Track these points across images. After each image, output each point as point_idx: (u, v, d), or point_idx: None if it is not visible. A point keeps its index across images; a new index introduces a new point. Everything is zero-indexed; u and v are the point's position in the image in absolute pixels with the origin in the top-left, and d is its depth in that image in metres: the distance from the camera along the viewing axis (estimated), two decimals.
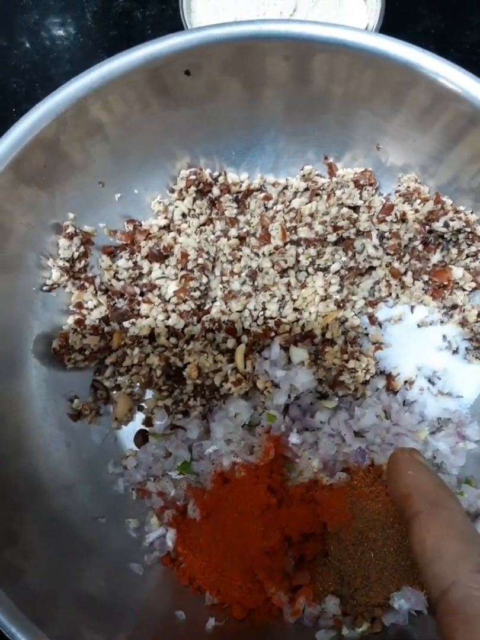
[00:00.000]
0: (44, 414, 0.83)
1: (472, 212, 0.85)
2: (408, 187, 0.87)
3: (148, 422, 0.87)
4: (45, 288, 0.84)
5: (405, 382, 0.85)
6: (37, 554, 0.72)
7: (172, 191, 0.90)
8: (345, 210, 0.86)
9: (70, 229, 0.83)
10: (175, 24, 1.00)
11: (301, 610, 0.74)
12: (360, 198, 0.88)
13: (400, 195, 0.87)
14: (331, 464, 0.78)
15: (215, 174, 0.90)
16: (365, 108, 0.82)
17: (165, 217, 0.90)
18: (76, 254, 0.84)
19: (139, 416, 0.89)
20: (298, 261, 0.86)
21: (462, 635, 0.41)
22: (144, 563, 0.79)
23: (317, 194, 0.89)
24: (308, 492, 0.75)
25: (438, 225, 0.84)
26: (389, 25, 0.95)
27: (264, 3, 0.95)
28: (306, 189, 0.90)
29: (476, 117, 0.74)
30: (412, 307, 0.87)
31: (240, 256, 0.88)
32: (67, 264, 0.84)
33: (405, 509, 0.51)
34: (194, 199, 0.89)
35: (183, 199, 0.89)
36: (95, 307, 0.86)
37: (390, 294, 0.87)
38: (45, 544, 0.74)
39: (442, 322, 0.86)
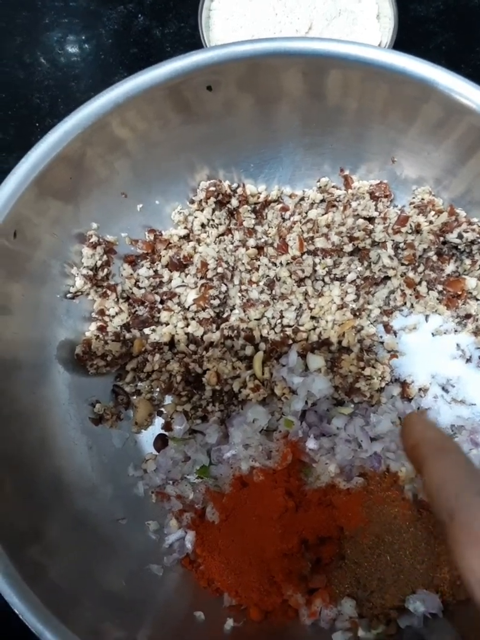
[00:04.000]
0: (67, 417, 0.85)
1: None
2: (422, 199, 0.89)
3: (167, 426, 0.90)
4: (69, 296, 0.86)
5: (420, 389, 0.86)
6: (61, 552, 0.74)
7: (192, 202, 0.92)
8: (360, 221, 0.88)
9: (94, 239, 0.86)
10: (194, 42, 1.03)
11: (318, 612, 0.75)
12: (376, 209, 0.90)
13: (414, 207, 0.89)
14: (348, 469, 0.79)
15: (234, 185, 0.92)
16: (380, 122, 0.84)
17: (185, 227, 0.92)
18: (99, 263, 0.87)
19: (159, 421, 0.91)
20: (315, 271, 0.88)
21: (469, 552, 0.44)
22: (163, 564, 0.81)
23: (333, 206, 0.91)
24: (325, 496, 0.77)
25: (452, 237, 0.86)
26: (402, 42, 0.97)
27: (280, 22, 0.97)
28: (322, 201, 0.93)
29: None
30: (427, 316, 0.88)
31: (259, 265, 0.90)
32: (90, 272, 0.86)
33: (416, 459, 0.55)
34: (213, 210, 0.91)
35: (202, 210, 0.91)
36: (117, 314, 0.89)
37: (405, 303, 0.89)
38: (69, 543, 0.76)
39: (456, 331, 0.88)
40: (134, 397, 0.91)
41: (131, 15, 1.13)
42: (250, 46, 0.76)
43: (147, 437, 0.91)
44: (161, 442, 0.89)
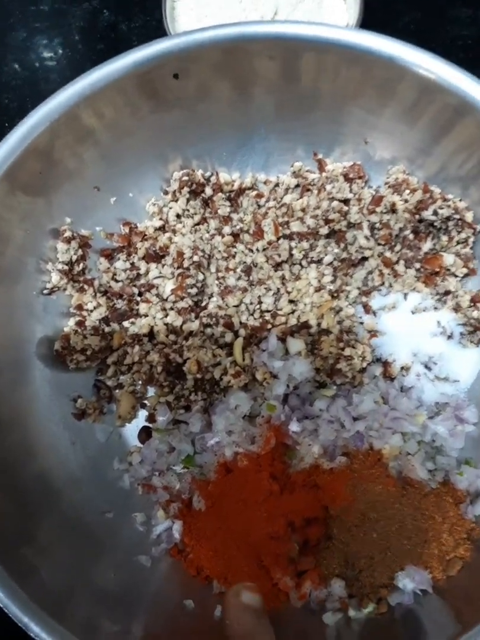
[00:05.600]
0: (49, 414, 0.84)
1: (460, 200, 0.86)
2: (397, 178, 0.88)
3: (151, 418, 0.89)
4: (45, 291, 0.86)
5: (402, 368, 0.86)
6: (50, 550, 0.74)
7: (166, 193, 0.92)
8: (335, 203, 0.88)
9: (68, 233, 0.85)
10: (160, 35, 1.02)
11: (308, 594, 0.75)
12: (350, 191, 0.89)
13: (389, 187, 0.89)
14: (331, 449, 0.79)
15: (208, 174, 0.92)
16: (353, 104, 0.83)
17: (160, 219, 0.92)
18: (74, 257, 0.86)
19: (142, 413, 0.91)
20: (291, 255, 0.88)
21: None
22: (151, 555, 0.81)
23: (308, 190, 0.91)
24: (309, 477, 0.77)
25: (427, 214, 0.85)
26: (369, 23, 0.96)
27: (245, 9, 0.97)
28: (297, 186, 0.92)
29: (462, 108, 0.75)
30: (406, 295, 0.88)
31: (235, 253, 0.90)
32: (66, 267, 0.86)
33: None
34: (188, 200, 0.91)
35: (177, 200, 0.91)
36: (95, 308, 0.88)
37: (383, 282, 0.88)
38: (58, 541, 0.76)
39: (435, 308, 0.88)
40: (117, 391, 0.91)
41: (96, 11, 1.13)
42: (214, 32, 0.76)
43: (132, 430, 0.90)
44: (145, 434, 0.88)
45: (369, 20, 0.96)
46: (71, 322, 0.88)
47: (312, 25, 0.76)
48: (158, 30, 1.08)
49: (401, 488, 0.76)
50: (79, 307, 0.88)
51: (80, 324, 0.87)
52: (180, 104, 0.83)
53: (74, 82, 0.77)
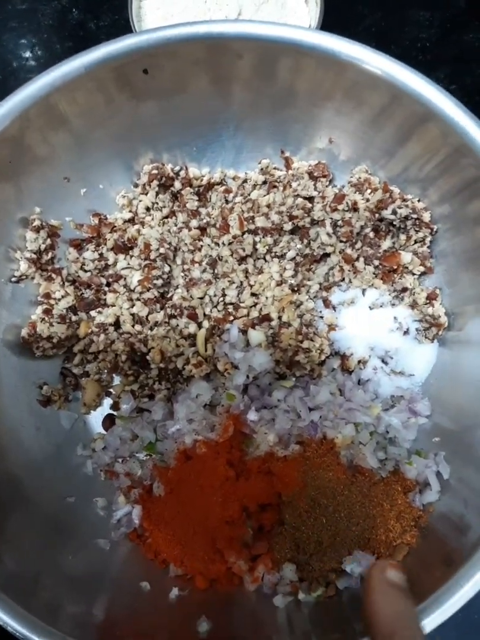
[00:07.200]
0: (14, 401, 0.85)
1: (419, 200, 0.89)
2: (359, 177, 0.91)
3: (115, 406, 0.91)
4: (13, 279, 0.87)
5: (359, 362, 0.89)
6: (14, 537, 0.75)
7: (136, 186, 0.94)
8: (300, 200, 0.90)
9: (37, 223, 0.87)
10: (128, 33, 1.04)
11: (260, 577, 0.78)
12: (315, 189, 0.92)
13: (352, 186, 0.91)
14: (286, 437, 0.82)
15: (177, 168, 0.94)
16: (323, 106, 0.85)
17: (130, 211, 0.94)
18: (43, 247, 0.88)
19: (107, 401, 0.92)
20: (256, 249, 0.90)
21: None
22: (111, 539, 0.82)
23: (274, 186, 0.94)
24: (264, 465, 0.79)
25: (387, 213, 0.88)
26: (331, 25, 0.97)
27: (210, 9, 0.99)
28: (264, 182, 0.95)
29: (426, 115, 0.78)
30: (364, 291, 0.91)
31: (201, 246, 0.92)
32: (35, 256, 0.87)
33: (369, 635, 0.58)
34: (157, 193, 0.92)
35: (146, 193, 0.93)
36: (62, 297, 0.90)
37: (343, 278, 0.91)
38: (21, 527, 0.77)
39: (393, 304, 0.90)
40: (83, 379, 0.92)
41: (65, 10, 1.14)
42: (183, 29, 0.77)
43: (96, 417, 0.92)
44: (109, 421, 0.90)
45: (329, 22, 0.98)
46: (38, 310, 0.89)
47: (283, 26, 0.78)
48: (126, 29, 1.09)
49: (351, 476, 0.79)
50: (47, 296, 0.89)
51: (47, 312, 0.88)
52: (153, 98, 0.84)
53: (45, 73, 0.78)
